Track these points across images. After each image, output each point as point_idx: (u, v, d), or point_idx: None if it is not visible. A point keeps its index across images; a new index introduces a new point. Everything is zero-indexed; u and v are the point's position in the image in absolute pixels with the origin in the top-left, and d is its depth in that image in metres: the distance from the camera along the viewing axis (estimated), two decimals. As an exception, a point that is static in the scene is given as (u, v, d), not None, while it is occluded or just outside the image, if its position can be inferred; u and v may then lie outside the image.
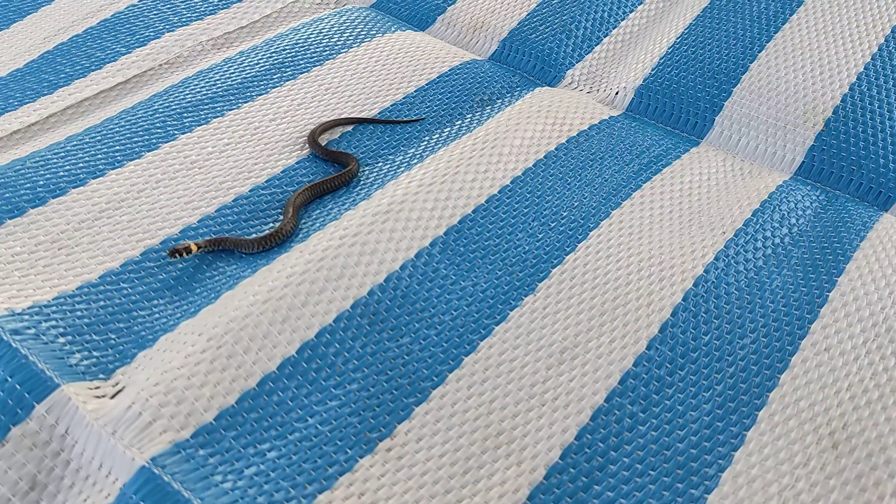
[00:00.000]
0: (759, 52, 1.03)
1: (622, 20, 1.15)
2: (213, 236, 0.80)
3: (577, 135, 0.96)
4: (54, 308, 0.72)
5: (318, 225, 0.83)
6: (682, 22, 1.11)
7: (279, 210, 0.85)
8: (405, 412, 0.67)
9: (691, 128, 1.00)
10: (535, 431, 0.66)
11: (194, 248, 0.77)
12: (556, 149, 0.93)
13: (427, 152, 0.93)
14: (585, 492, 0.62)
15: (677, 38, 1.08)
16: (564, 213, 0.85)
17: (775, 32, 1.06)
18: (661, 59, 1.06)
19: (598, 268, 0.79)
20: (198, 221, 0.83)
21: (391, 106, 1.00)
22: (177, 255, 0.77)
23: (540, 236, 0.82)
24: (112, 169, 0.87)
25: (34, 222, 0.80)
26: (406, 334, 0.73)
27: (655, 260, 0.79)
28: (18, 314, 0.70)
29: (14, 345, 0.67)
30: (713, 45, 1.06)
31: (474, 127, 0.97)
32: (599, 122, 0.99)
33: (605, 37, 1.13)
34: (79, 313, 0.72)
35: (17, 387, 0.64)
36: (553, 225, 0.84)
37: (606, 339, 0.72)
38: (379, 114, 0.98)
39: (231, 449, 0.62)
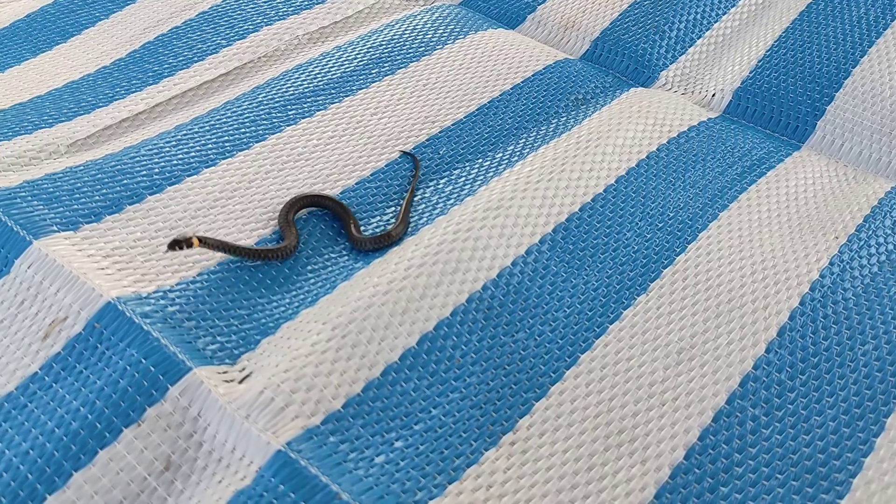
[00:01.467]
0: (862, 57, 1.02)
1: (715, 22, 1.14)
2: (218, 239, 0.76)
3: (678, 136, 0.96)
4: (178, 293, 0.74)
5: (425, 219, 0.84)
6: (778, 26, 1.10)
7: (386, 204, 0.86)
8: (525, 407, 0.68)
9: (792, 132, 0.99)
10: (658, 431, 0.66)
11: (196, 242, 0.73)
12: (657, 149, 0.93)
13: (527, 150, 0.94)
14: (712, 493, 0.62)
15: (774, 42, 1.07)
16: (671, 214, 0.85)
17: (877, 37, 1.05)
18: (759, 62, 1.05)
19: (710, 270, 0.79)
20: (307, 213, 0.84)
21: (488, 102, 1.00)
22: (176, 246, 0.73)
23: (648, 236, 0.82)
24: (223, 159, 0.88)
25: (153, 209, 0.82)
26: (521, 330, 0.73)
27: (768, 263, 0.79)
28: (145, 297, 0.72)
29: (146, 327, 0.68)
30: (813, 49, 1.05)
31: (572, 126, 0.97)
32: (698, 124, 0.98)
33: (698, 38, 1.12)
34: (201, 299, 0.74)
35: (152, 368, 0.66)
36: (661, 225, 0.84)
37: (724, 342, 0.72)
38: (476, 111, 0.99)
39: (360, 437, 0.63)
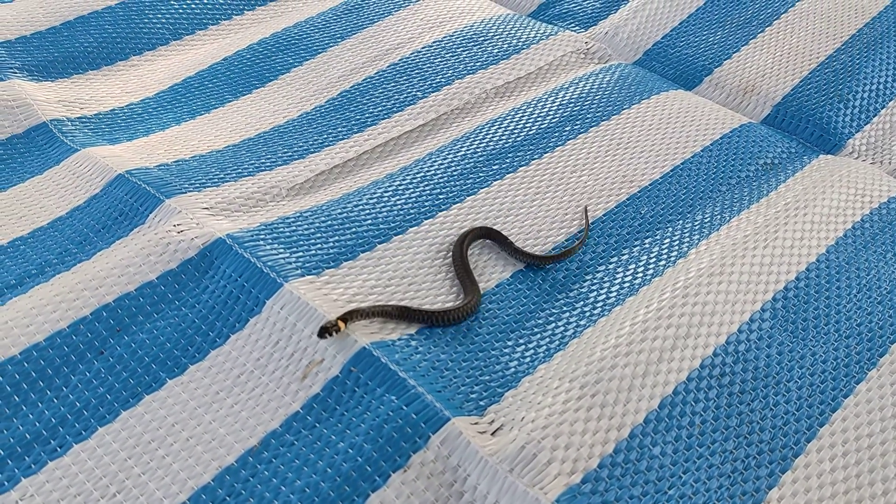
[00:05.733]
0: None
1: (899, 91, 1.15)
2: (356, 306, 0.77)
3: (879, 207, 0.96)
4: (418, 342, 0.77)
5: (640, 279, 0.86)
6: (968, 98, 1.10)
7: (597, 262, 0.88)
8: (772, 479, 0.68)
9: None
10: (912, 512, 0.66)
11: (342, 325, 0.73)
12: (861, 219, 0.94)
13: (728, 214, 0.95)
14: (979, 581, 0.62)
15: (968, 115, 1.07)
16: (888, 287, 0.85)
17: None
18: (953, 134, 1.05)
19: (941, 348, 0.79)
20: (525, 266, 0.87)
21: (682, 163, 1.02)
22: (326, 334, 0.73)
23: (868, 310, 0.83)
24: (440, 211, 0.92)
25: (382, 257, 0.86)
26: (756, 399, 0.74)
27: None
28: (392, 345, 0.75)
29: (402, 374, 0.71)
30: None
31: (768, 192, 0.99)
32: (897, 196, 0.99)
33: (882, 108, 1.13)
34: (440, 350, 0.77)
35: (413, 416, 0.69)
36: (879, 299, 0.84)
37: (967, 424, 0.72)
38: (671, 171, 1.01)
39: (619, 499, 0.65)
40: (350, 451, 0.67)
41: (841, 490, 0.67)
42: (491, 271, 0.86)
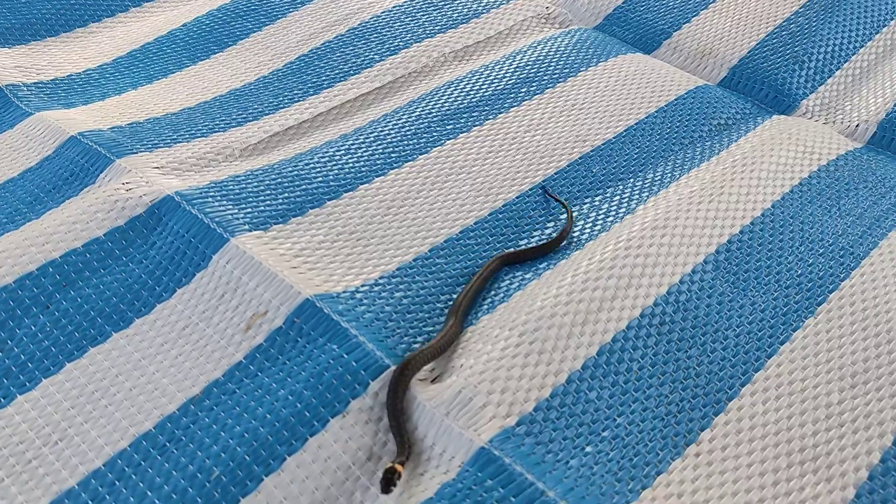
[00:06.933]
0: None
1: (853, 54, 1.15)
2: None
3: (827, 164, 0.97)
4: (363, 294, 0.78)
5: (587, 235, 0.87)
6: (920, 58, 1.11)
7: (546, 218, 0.89)
8: (705, 420, 0.70)
9: (940, 164, 1.00)
10: (839, 451, 0.67)
11: (400, 469, 0.62)
12: (809, 176, 0.95)
13: (678, 172, 0.96)
14: (901, 514, 0.64)
15: (920, 75, 1.08)
16: (830, 241, 0.86)
17: None
18: (904, 94, 1.06)
19: (877, 296, 0.80)
20: (474, 223, 0.88)
21: (636, 124, 1.03)
22: (391, 487, 0.61)
23: (810, 261, 0.84)
24: (391, 169, 0.93)
25: (332, 213, 0.86)
26: (693, 346, 0.75)
27: (937, 293, 0.80)
28: (336, 297, 0.76)
29: (344, 325, 0.72)
30: (960, 83, 1.06)
31: (720, 150, 0.99)
32: (846, 153, 1.00)
33: (837, 69, 1.14)
34: (384, 301, 0.78)
35: (354, 363, 0.70)
36: (821, 251, 0.85)
37: (899, 367, 0.74)
38: (625, 132, 1.02)
39: (553, 440, 0.66)
40: (290, 397, 0.68)
41: (772, 431, 0.69)
42: (440, 226, 0.87)
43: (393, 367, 0.69)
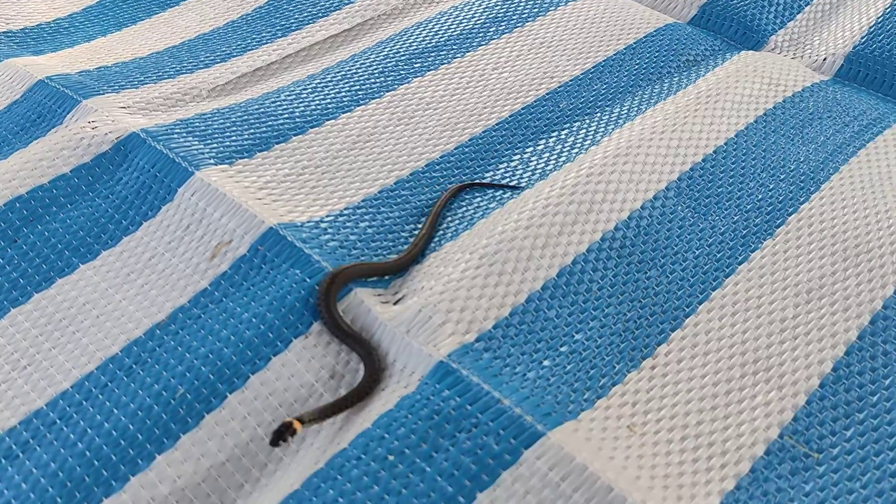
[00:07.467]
0: (977, 22, 1.03)
1: (823, -11, 1.16)
2: (318, 408, 0.63)
3: (793, 96, 0.98)
4: (328, 224, 0.79)
5: (552, 166, 0.88)
6: (888, -8, 1.12)
7: (512, 151, 0.90)
8: (662, 336, 0.71)
9: (905, 95, 1.01)
10: (792, 361, 0.69)
11: (298, 426, 0.61)
12: (773, 107, 0.96)
13: (645, 106, 0.97)
14: (848, 417, 0.65)
15: (887, 9, 1.08)
16: (792, 167, 0.87)
17: None
18: (870, 28, 1.07)
19: (836, 217, 0.81)
20: (440, 157, 0.88)
21: (604, 61, 1.03)
22: (280, 440, 0.60)
23: (771, 186, 0.85)
24: (358, 106, 0.93)
25: (297, 148, 0.87)
26: (653, 268, 0.76)
27: (893, 212, 0.81)
28: (299, 226, 0.77)
29: (307, 251, 0.73)
30: (927, 15, 1.06)
31: (687, 85, 1.00)
32: (812, 86, 1.00)
33: (806, 5, 1.14)
34: (349, 230, 0.79)
35: (316, 287, 0.71)
36: (783, 177, 0.86)
37: (853, 283, 0.75)
38: (593, 68, 1.02)
39: (511, 355, 0.68)
40: (254, 320, 0.69)
41: (727, 345, 0.70)
42: (406, 160, 0.87)
43: (356, 289, 0.71)
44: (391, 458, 0.59)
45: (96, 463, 0.62)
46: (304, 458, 0.63)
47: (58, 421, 0.64)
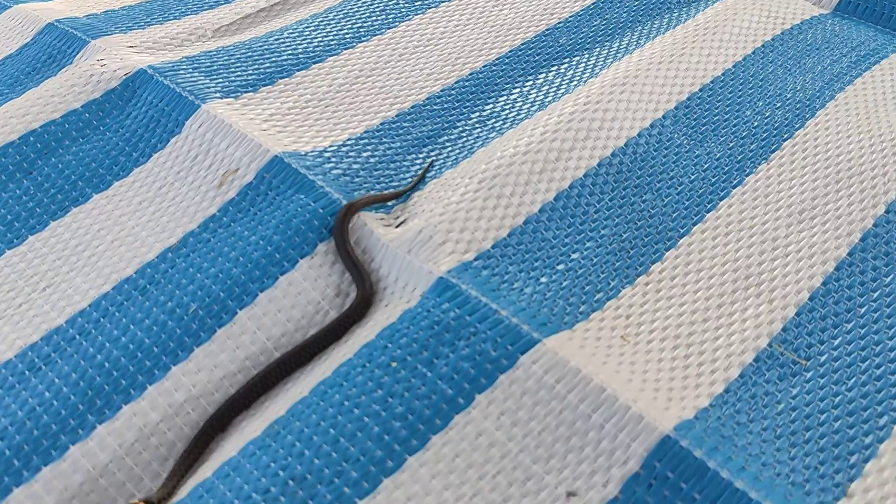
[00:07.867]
0: (978, -48, 1.03)
1: (825, -76, 1.16)
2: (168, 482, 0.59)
3: (791, 28, 0.98)
4: (331, 154, 0.81)
5: (551, 98, 0.89)
6: (890, -75, 1.11)
7: (511, 86, 0.91)
8: (657, 255, 0.73)
9: (904, 26, 1.01)
10: (783, 276, 0.71)
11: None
12: (772, 39, 0.96)
13: (644, 40, 0.98)
14: (836, 328, 0.67)
15: (888, -60, 1.08)
16: (789, 95, 0.89)
17: None
18: (871, -41, 1.07)
19: (829, 142, 0.82)
20: (440, 90, 0.90)
21: (603, -3, 1.04)
22: None
23: (767, 114, 0.86)
24: (360, 42, 0.95)
25: (301, 83, 0.89)
26: (648, 192, 0.78)
27: (886, 137, 0.82)
28: (303, 155, 0.79)
29: (311, 177, 0.76)
30: (928, -54, 1.06)
31: (686, 19, 1.01)
32: (811, 18, 1.01)
33: (807, -60, 1.14)
34: (352, 160, 0.81)
35: (321, 210, 0.73)
36: (779, 105, 0.88)
37: (844, 203, 0.76)
38: (592, 5, 1.03)
39: (509, 273, 0.70)
40: (261, 242, 0.72)
41: (719, 262, 0.72)
42: (407, 93, 0.89)
43: (359, 213, 0.73)
44: (394, 364, 0.62)
45: (115, 373, 0.65)
46: (313, 372, 0.66)
47: (77, 336, 0.67)
